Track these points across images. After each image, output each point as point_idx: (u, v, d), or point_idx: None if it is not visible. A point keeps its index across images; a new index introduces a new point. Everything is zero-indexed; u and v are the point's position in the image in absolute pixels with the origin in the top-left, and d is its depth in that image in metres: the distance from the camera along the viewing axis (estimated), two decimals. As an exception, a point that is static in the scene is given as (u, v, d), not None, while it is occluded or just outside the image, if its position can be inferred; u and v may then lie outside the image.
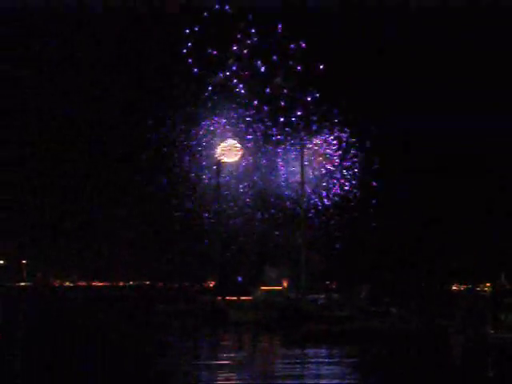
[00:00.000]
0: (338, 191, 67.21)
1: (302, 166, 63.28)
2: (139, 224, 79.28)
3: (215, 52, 61.68)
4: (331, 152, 67.01)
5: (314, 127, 65.55)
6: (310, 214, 65.61)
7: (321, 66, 61.45)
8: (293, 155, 65.76)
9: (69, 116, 77.72)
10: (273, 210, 66.98)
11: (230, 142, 66.25)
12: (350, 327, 41.40)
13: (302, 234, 62.32)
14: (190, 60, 62.09)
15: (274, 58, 62.23)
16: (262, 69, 62.17)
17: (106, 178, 76.00)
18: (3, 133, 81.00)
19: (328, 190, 67.16)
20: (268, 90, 63.49)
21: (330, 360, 30.58)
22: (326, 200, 67.10)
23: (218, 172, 66.63)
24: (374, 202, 66.31)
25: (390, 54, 71.13)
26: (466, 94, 73.55)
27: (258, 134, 65.89)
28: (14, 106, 79.44)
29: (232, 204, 67.04)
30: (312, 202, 66.42)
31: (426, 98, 74.63)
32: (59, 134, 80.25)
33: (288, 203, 66.83)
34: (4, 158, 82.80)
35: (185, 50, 62.00)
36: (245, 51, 61.63)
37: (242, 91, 63.46)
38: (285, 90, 63.34)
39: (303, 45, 61.67)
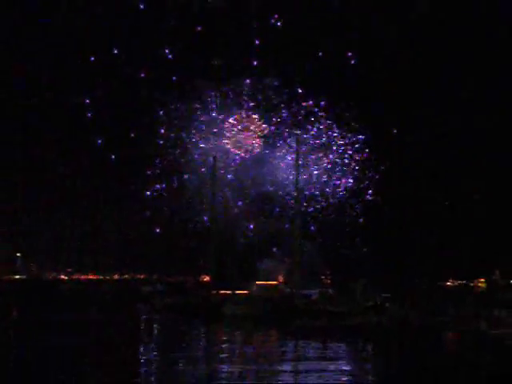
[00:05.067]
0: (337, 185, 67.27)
1: (297, 157, 63.17)
2: (134, 218, 79.10)
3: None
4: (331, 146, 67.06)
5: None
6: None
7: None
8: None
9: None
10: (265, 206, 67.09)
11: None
12: (344, 322, 41.43)
13: (297, 228, 62.19)
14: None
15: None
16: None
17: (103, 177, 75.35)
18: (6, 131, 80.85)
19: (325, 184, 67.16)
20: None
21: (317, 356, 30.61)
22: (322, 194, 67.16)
23: (214, 165, 66.52)
24: (369, 196, 66.49)
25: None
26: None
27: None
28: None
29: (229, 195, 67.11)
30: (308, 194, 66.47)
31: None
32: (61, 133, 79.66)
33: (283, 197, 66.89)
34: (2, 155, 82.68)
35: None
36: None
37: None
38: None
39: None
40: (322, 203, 67.36)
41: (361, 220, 67.01)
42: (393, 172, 68.99)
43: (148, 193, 67.65)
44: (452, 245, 70.61)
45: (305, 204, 65.79)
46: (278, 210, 67.60)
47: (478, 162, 70.78)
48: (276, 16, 64.15)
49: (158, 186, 67.97)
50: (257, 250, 67.09)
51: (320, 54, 64.67)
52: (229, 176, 67.80)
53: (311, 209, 66.95)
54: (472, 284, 76.39)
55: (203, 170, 67.79)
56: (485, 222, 70.01)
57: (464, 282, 78.06)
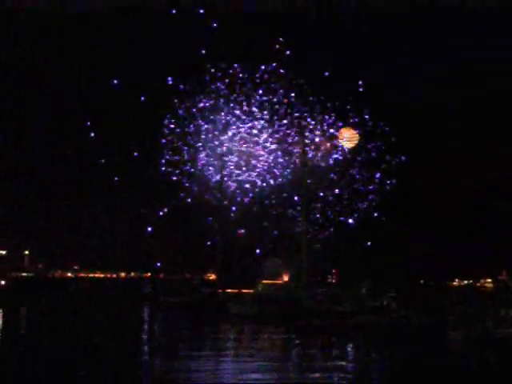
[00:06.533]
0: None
1: (304, 155, 62.96)
2: (140, 215, 79.19)
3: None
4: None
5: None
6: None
7: None
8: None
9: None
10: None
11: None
12: (349, 322, 41.28)
13: (304, 226, 62.01)
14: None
15: None
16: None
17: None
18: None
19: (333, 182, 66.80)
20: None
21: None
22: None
23: (222, 166, 66.52)
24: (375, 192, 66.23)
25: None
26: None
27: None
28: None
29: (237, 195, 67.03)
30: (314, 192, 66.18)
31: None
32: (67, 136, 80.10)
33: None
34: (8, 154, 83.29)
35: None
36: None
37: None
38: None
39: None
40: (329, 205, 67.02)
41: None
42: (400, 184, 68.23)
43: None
44: (459, 245, 70.46)
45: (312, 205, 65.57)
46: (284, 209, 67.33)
47: (478, 164, 70.79)
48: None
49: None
50: (263, 249, 67.02)
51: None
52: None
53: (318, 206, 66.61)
54: (478, 284, 76.29)
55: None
56: (490, 222, 69.87)
57: (470, 281, 77.97)
